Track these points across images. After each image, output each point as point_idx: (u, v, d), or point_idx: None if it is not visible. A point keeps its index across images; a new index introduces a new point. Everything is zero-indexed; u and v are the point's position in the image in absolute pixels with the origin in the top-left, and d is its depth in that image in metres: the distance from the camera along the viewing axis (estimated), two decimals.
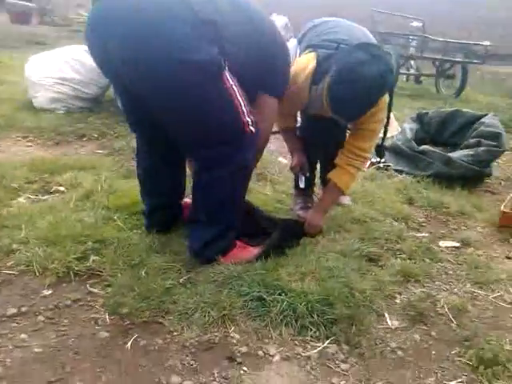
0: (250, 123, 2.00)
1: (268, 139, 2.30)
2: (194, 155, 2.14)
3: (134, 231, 2.42)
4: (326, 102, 2.19)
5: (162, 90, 1.88)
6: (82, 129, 4.15)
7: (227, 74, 1.90)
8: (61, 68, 4.61)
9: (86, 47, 4.42)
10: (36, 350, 1.66)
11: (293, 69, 2.29)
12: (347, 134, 2.65)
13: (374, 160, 3.76)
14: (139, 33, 1.77)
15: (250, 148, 2.07)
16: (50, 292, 1.97)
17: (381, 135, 2.58)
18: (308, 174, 2.76)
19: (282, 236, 2.31)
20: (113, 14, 1.82)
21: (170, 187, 2.41)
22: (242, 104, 1.97)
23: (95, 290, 2.00)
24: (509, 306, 2.16)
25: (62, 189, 2.93)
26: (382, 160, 3.71)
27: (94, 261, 2.14)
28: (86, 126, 4.22)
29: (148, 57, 1.80)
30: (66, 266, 2.08)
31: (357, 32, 2.48)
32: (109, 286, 2.01)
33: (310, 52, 2.34)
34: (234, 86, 1.93)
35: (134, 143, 3.69)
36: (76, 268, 2.08)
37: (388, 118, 2.45)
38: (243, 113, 1.98)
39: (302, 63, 2.32)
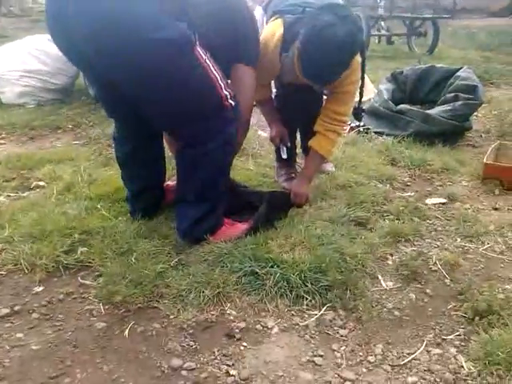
0: (229, 97, 1.98)
1: (252, 109, 2.29)
2: (176, 134, 2.12)
3: (119, 219, 2.39)
4: (297, 69, 2.17)
5: (136, 73, 1.82)
6: (55, 121, 4.08)
7: (199, 48, 1.87)
8: (25, 60, 4.50)
9: (49, 36, 4.33)
10: (34, 347, 1.64)
11: (261, 38, 2.26)
12: (324, 100, 2.62)
13: (353, 124, 3.76)
14: (106, 20, 1.71)
15: (231, 121, 2.04)
16: (41, 288, 1.94)
17: (357, 98, 2.56)
18: (289, 144, 2.74)
19: (269, 209, 2.30)
20: (74, 3, 1.74)
21: (150, 170, 2.38)
22: (218, 78, 1.94)
23: (87, 282, 1.98)
24: (499, 256, 2.19)
25: (41, 183, 2.88)
26: (362, 123, 3.71)
27: (82, 252, 2.11)
28: (58, 117, 4.16)
29: (118, 41, 1.73)
30: (54, 261, 2.05)
31: None
32: (100, 276, 1.99)
33: (277, 18, 2.30)
34: (207, 60, 1.90)
35: (110, 130, 3.68)
36: (65, 261, 2.06)
37: (362, 78, 2.42)
38: (220, 87, 1.95)
39: (270, 31, 2.29)
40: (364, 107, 2.85)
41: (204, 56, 1.89)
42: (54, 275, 2.02)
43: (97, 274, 2.01)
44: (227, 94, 1.98)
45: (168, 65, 1.81)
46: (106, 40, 1.74)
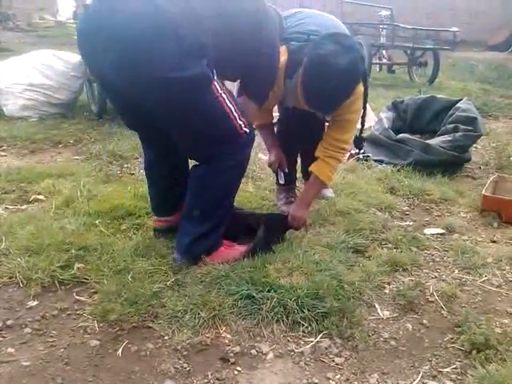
0: (243, 125, 2.05)
1: None
2: (193, 156, 2.20)
3: (118, 236, 2.38)
4: (300, 95, 2.19)
5: (162, 106, 1.95)
6: (57, 135, 4.08)
7: (215, 83, 1.95)
8: (29, 74, 4.53)
9: (54, 52, 4.36)
10: (24, 363, 1.62)
11: None
12: (326, 126, 2.64)
13: (353, 151, 3.77)
14: (130, 55, 1.81)
15: (245, 146, 2.12)
16: (35, 303, 1.93)
17: (358, 126, 2.58)
18: (287, 170, 2.75)
19: (267, 231, 2.29)
20: (105, 31, 1.81)
21: (168, 174, 2.37)
22: (233, 109, 2.02)
23: (82, 298, 1.97)
24: (496, 289, 2.18)
25: (40, 197, 2.87)
26: (362, 151, 3.72)
27: (78, 268, 2.10)
28: (60, 132, 4.16)
29: (141, 78, 1.85)
30: (50, 276, 2.04)
31: (327, 22, 2.47)
32: (95, 293, 1.98)
33: (281, 45, 2.32)
34: (223, 94, 1.97)
35: (111, 146, 3.70)
36: (61, 277, 2.04)
37: (364, 108, 2.45)
38: (235, 118, 2.03)
39: None
40: (364, 135, 2.86)
41: (220, 90, 1.96)
42: (49, 290, 2.01)
43: (92, 290, 2.00)
44: (241, 123, 2.04)
45: (188, 99, 1.89)
46: (136, 76, 1.85)
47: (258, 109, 2.28)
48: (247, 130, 2.07)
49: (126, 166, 3.42)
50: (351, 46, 2.11)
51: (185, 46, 1.81)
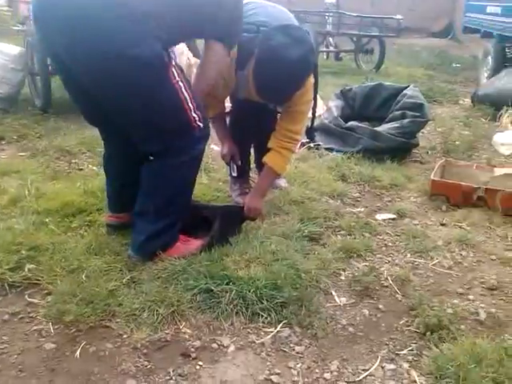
0: (197, 119, 2.02)
1: (209, 83, 2.20)
2: (146, 147, 2.11)
3: (69, 234, 2.32)
4: (252, 87, 2.18)
5: (108, 83, 1.89)
6: None
7: (173, 69, 1.91)
8: None
9: None
10: None
11: None
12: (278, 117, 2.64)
13: (304, 141, 3.79)
14: (83, 34, 1.78)
15: (199, 140, 2.08)
16: None
17: (310, 116, 2.60)
18: (240, 163, 2.74)
19: (224, 224, 2.29)
20: (55, 10, 1.79)
21: (127, 170, 2.29)
22: (188, 99, 1.98)
23: (35, 300, 1.90)
24: (447, 271, 2.26)
25: None
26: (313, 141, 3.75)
27: (29, 269, 2.03)
28: (2, 128, 3.97)
29: (91, 51, 1.80)
30: None
31: (276, 13, 2.45)
32: (49, 294, 1.93)
33: None
34: (180, 82, 1.94)
35: (57, 141, 3.59)
36: (11, 279, 1.97)
37: (315, 98, 2.47)
38: (189, 108, 1.99)
39: None
40: (315, 125, 2.89)
41: (177, 77, 1.93)
42: None
43: (45, 292, 1.94)
44: (196, 116, 2.01)
45: (138, 80, 1.86)
46: (81, 48, 1.81)
47: (227, 53, 2.08)
48: (201, 125, 2.04)
49: (73, 161, 3.33)
50: (302, 38, 2.11)
51: (139, 24, 1.79)
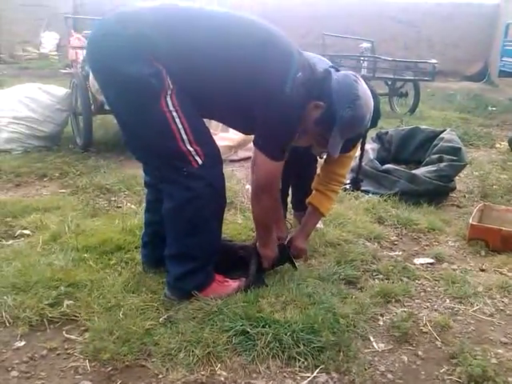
0: (195, 153, 1.97)
1: (256, 198, 2.19)
2: (150, 172, 2.27)
3: (107, 271, 2.34)
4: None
5: (106, 96, 2.11)
6: (42, 168, 4.03)
7: (169, 98, 1.90)
8: (14, 107, 4.53)
9: (39, 85, 4.35)
10: None
11: None
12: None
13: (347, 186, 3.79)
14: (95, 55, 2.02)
15: (197, 178, 1.99)
16: (23, 343, 1.87)
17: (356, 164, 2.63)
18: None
19: (260, 265, 2.29)
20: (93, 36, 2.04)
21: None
22: (182, 131, 1.94)
23: (72, 337, 1.92)
24: (489, 318, 2.19)
25: (27, 232, 2.82)
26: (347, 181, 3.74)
27: (68, 306, 2.05)
28: (45, 165, 4.11)
29: (102, 70, 2.01)
30: (38, 314, 1.99)
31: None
32: (86, 330, 1.94)
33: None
34: (174, 112, 1.91)
35: (97, 179, 3.67)
36: (50, 315, 1.99)
37: (363, 146, 2.48)
38: (182, 140, 1.94)
39: None
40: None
41: (172, 107, 1.91)
42: (38, 329, 1.95)
43: (83, 328, 1.96)
44: (192, 150, 1.96)
45: (133, 101, 1.94)
46: (98, 67, 2.03)
47: (270, 163, 2.05)
48: (200, 162, 1.98)
49: (113, 199, 3.39)
50: (371, 90, 2.14)
51: (137, 47, 1.89)
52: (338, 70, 2.13)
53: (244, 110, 2.01)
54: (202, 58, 1.93)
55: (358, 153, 2.54)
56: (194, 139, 1.96)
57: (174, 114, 1.92)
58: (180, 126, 1.93)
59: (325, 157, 2.48)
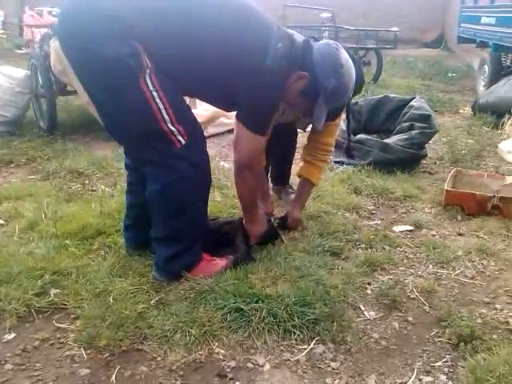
0: (176, 133, 1.92)
1: (240, 175, 2.18)
2: (132, 156, 2.17)
3: (90, 257, 2.30)
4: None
5: (81, 77, 1.94)
6: (7, 154, 3.87)
7: (148, 77, 1.85)
8: None
9: None
10: None
11: None
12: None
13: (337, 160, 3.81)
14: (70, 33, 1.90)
15: (181, 158, 1.96)
16: (12, 336, 1.83)
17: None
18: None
19: (246, 240, 2.29)
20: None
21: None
22: (164, 110, 1.89)
23: (63, 326, 1.88)
24: (471, 280, 2.26)
25: (0, 222, 2.73)
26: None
27: (55, 294, 2.01)
28: (10, 151, 3.95)
29: (76, 53, 1.90)
30: (25, 305, 1.94)
31: None
32: (77, 318, 1.90)
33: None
34: (154, 92, 1.86)
35: (67, 163, 3.58)
36: (37, 305, 1.95)
37: (348, 112, 2.51)
38: (164, 120, 1.90)
39: None
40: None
41: (152, 87, 1.86)
42: (26, 320, 1.91)
43: (73, 316, 1.92)
44: (174, 130, 1.92)
45: (111, 82, 1.87)
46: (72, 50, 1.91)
47: (253, 137, 2.04)
48: (183, 141, 1.94)
49: (86, 182, 3.31)
50: (352, 58, 2.14)
51: (112, 27, 1.82)
52: (317, 41, 2.12)
53: (226, 86, 1.98)
54: (180, 34, 1.88)
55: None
56: (176, 119, 1.92)
57: (154, 93, 1.87)
58: (161, 106, 1.88)
59: (308, 129, 2.49)
